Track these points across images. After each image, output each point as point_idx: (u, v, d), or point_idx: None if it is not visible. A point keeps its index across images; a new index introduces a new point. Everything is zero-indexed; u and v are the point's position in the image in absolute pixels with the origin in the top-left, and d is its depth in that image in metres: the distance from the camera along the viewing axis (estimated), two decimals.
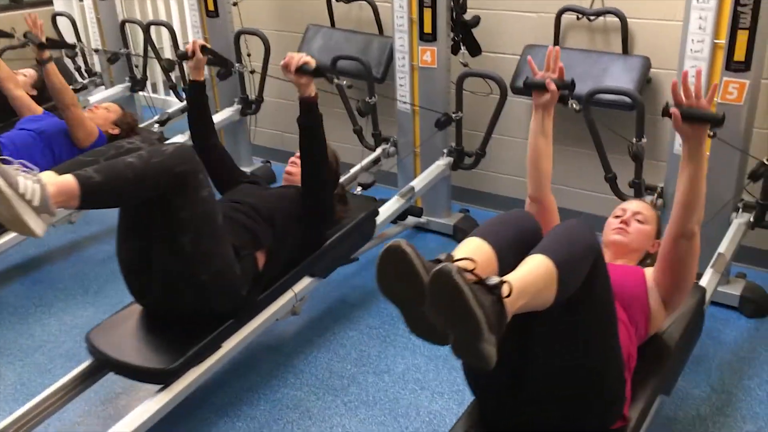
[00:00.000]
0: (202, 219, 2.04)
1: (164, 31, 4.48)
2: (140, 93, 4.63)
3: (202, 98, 2.61)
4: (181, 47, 4.06)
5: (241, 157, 4.15)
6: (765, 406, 2.31)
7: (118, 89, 4.51)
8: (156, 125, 3.97)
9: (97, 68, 4.77)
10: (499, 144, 3.53)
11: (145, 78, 4.44)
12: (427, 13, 3.09)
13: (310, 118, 2.35)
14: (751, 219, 2.71)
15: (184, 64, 2.68)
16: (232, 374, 2.51)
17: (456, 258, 1.37)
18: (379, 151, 3.47)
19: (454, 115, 3.20)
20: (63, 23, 4.66)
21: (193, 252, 2.03)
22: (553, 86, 1.91)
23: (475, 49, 3.28)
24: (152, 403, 2.03)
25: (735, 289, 2.80)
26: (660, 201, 2.82)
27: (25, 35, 3.43)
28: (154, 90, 5.12)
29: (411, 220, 3.48)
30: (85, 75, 4.69)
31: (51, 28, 4.69)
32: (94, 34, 4.73)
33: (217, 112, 4.06)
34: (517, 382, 1.60)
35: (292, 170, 2.62)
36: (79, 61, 4.68)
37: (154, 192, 1.95)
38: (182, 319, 2.17)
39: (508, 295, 1.29)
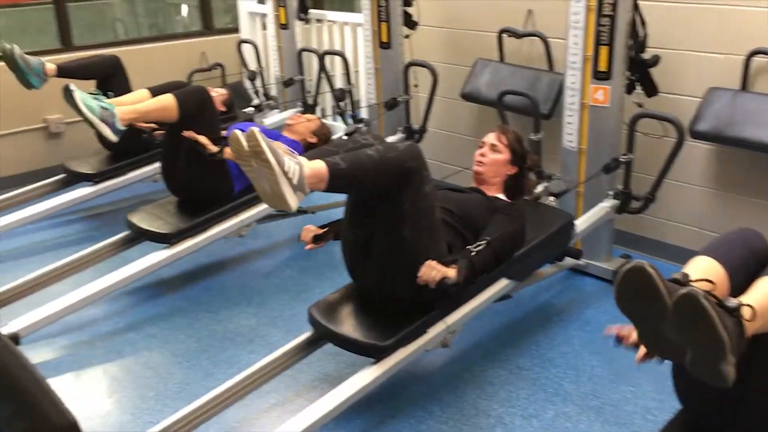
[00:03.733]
0: (423, 213, 2.21)
1: (338, 59, 4.69)
2: None
3: None
4: (352, 76, 4.25)
5: None
6: None
7: (290, 113, 4.76)
8: None
9: (273, 92, 5.07)
10: (670, 189, 3.34)
11: (315, 103, 4.67)
12: (604, 51, 3.01)
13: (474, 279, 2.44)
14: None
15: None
16: (376, 400, 2.53)
17: (693, 279, 1.41)
18: (540, 188, 3.40)
19: (623, 158, 3.08)
20: (247, 49, 5.02)
21: (412, 243, 2.20)
22: None
23: (651, 90, 3.15)
24: (366, 374, 2.26)
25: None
26: None
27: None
28: (323, 115, 5.35)
29: (569, 261, 3.38)
30: (263, 97, 5.00)
31: (236, 53, 5.09)
32: (274, 60, 5.04)
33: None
34: (734, 398, 1.61)
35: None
36: (258, 84, 5.01)
37: (388, 183, 2.12)
38: (393, 301, 2.37)
39: (750, 319, 1.35)
